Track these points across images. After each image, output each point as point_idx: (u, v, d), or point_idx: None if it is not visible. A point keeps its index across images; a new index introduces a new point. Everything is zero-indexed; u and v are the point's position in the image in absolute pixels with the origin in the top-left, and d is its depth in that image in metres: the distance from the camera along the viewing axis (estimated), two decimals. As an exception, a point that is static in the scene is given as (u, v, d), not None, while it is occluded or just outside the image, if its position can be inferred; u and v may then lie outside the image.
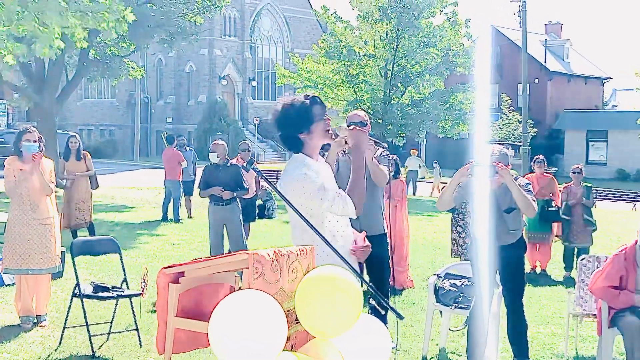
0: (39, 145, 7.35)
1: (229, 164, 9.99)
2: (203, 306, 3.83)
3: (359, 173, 4.31)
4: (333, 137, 4.28)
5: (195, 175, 17.68)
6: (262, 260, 3.39)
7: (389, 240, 6.87)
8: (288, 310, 3.42)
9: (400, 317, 3.73)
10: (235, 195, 9.77)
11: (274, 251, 3.50)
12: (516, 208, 6.09)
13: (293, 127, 4.09)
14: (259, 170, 4.08)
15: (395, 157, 10.12)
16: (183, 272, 3.62)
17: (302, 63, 29.71)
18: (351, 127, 4.57)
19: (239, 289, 3.40)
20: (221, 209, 9.78)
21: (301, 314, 3.39)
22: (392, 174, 9.47)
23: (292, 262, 3.56)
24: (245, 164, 4.01)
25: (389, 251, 6.88)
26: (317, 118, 4.09)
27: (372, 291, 3.74)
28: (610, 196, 26.23)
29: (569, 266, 11.23)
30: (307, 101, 4.07)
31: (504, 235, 6.14)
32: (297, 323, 3.49)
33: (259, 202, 16.20)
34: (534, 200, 6.09)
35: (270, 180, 4.03)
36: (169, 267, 3.64)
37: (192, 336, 3.77)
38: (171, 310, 3.60)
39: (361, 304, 3.46)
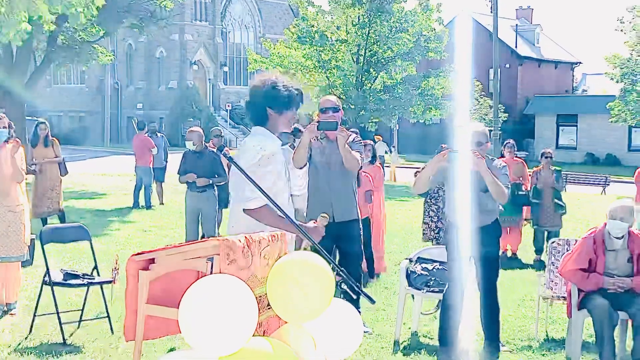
0: (9, 132, 7.25)
1: (207, 151, 9.88)
2: (173, 293, 3.81)
3: None
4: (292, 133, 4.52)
5: (166, 161, 17.57)
6: (234, 247, 3.38)
7: (361, 226, 6.90)
8: (260, 296, 3.42)
9: (372, 301, 3.75)
10: (211, 182, 9.68)
11: (246, 237, 3.49)
12: None
13: (270, 100, 4.35)
14: (230, 156, 4.07)
15: (371, 142, 10.16)
16: (153, 259, 3.60)
17: (274, 48, 29.59)
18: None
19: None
20: (197, 196, 9.72)
21: (273, 299, 3.40)
22: (369, 159, 9.55)
23: (264, 248, 3.55)
24: (215, 150, 4.02)
25: (362, 237, 6.92)
26: (292, 108, 4.41)
27: (344, 276, 3.75)
28: (580, 180, 26.48)
29: (539, 249, 11.34)
30: (296, 92, 4.41)
31: (480, 215, 6.14)
32: (269, 309, 3.50)
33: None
34: (508, 187, 6.12)
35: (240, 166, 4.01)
36: (138, 254, 3.61)
37: (161, 323, 3.75)
38: (141, 297, 3.58)
39: (333, 289, 3.47)
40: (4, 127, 7.22)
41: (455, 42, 28.49)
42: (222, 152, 4.06)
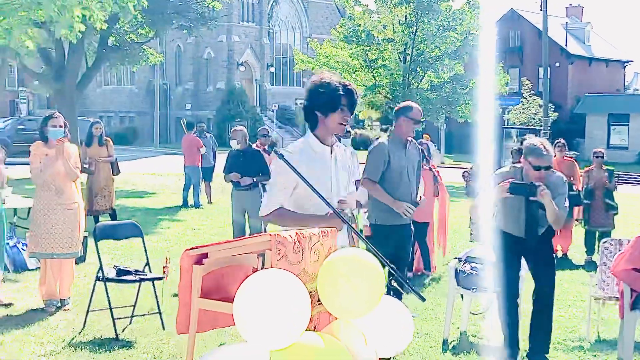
0: (65, 131, 7.41)
1: (250, 150, 10.09)
2: (225, 288, 3.86)
3: None
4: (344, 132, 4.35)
5: (215, 161, 17.77)
6: (285, 242, 3.41)
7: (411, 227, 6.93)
8: (310, 292, 3.44)
9: (423, 299, 3.74)
10: (255, 180, 9.84)
11: (296, 233, 3.52)
12: None
13: (316, 102, 4.17)
14: (281, 154, 4.08)
15: (427, 142, 10.20)
16: (206, 254, 3.65)
17: (321, 48, 29.61)
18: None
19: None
20: (242, 194, 9.90)
21: (323, 295, 3.41)
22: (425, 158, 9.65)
23: (314, 244, 3.57)
24: (267, 148, 4.05)
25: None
26: (339, 108, 4.14)
27: (396, 274, 3.75)
28: (631, 180, 25.99)
29: (590, 250, 11.17)
30: (341, 88, 4.12)
31: (535, 228, 6.09)
32: (319, 304, 3.51)
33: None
34: (565, 209, 5.98)
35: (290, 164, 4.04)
36: (192, 248, 3.67)
37: (211, 316, 3.80)
38: (195, 291, 3.63)
39: (383, 287, 3.47)
40: (60, 126, 7.38)
41: (481, 38, 28.03)
42: (274, 149, 4.05)
